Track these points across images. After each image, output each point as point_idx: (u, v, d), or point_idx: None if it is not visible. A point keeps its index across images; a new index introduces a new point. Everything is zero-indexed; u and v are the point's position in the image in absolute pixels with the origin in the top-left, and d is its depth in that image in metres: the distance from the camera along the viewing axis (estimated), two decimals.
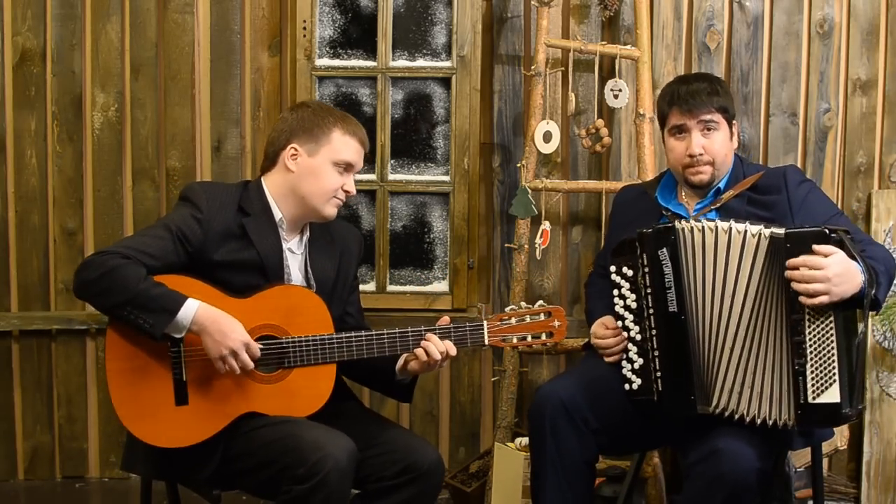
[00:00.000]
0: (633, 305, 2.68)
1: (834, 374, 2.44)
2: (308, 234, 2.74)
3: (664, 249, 2.58)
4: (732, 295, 2.54)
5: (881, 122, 3.70)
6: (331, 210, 2.68)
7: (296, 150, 2.65)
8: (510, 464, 3.38)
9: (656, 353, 2.61)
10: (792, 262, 2.45)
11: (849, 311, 2.47)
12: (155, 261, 2.51)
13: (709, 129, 2.75)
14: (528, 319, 2.62)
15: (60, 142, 3.79)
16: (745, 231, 2.52)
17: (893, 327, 3.61)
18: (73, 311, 3.78)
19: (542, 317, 2.62)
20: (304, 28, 3.72)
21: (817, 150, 3.70)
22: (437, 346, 2.58)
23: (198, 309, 2.48)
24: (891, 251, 3.62)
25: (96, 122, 3.79)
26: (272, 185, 2.68)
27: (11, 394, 3.85)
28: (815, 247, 2.43)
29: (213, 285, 2.56)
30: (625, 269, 2.70)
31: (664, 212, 2.81)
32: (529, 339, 2.62)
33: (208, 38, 3.79)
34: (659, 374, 2.61)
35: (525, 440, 3.41)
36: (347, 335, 2.59)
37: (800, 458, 3.35)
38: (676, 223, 2.61)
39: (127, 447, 2.66)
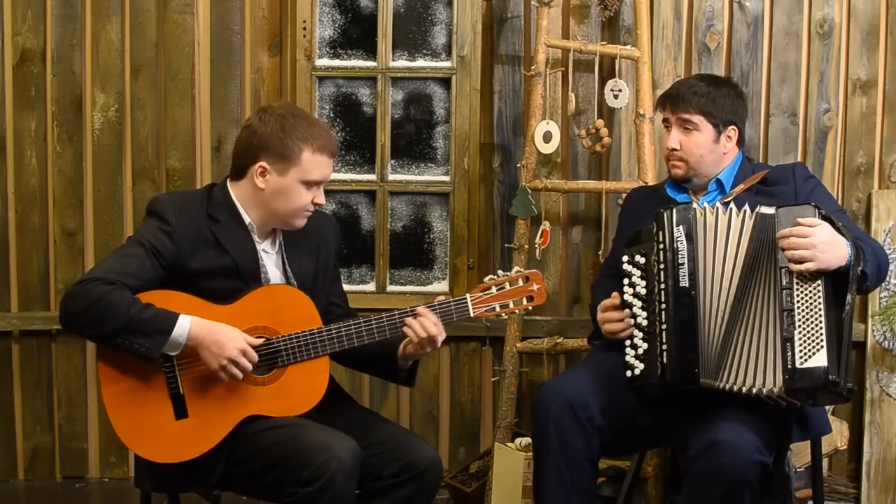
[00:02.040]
0: (643, 292, 2.72)
1: (821, 339, 2.51)
2: (281, 233, 2.72)
3: (681, 227, 2.66)
4: (739, 272, 2.63)
5: (881, 122, 3.70)
6: (301, 222, 2.65)
7: (264, 168, 2.58)
8: (510, 464, 3.38)
9: (664, 327, 2.63)
10: (781, 232, 2.58)
11: (837, 282, 2.55)
12: (137, 280, 2.50)
13: (687, 128, 2.86)
14: (507, 287, 2.65)
15: (60, 142, 3.79)
16: (742, 211, 2.65)
17: (893, 327, 3.61)
18: None
19: (521, 282, 2.65)
20: (304, 28, 3.72)
21: (817, 150, 3.70)
22: (422, 324, 2.57)
23: (191, 324, 2.48)
24: (891, 251, 3.63)
25: (96, 122, 3.79)
26: (240, 194, 2.64)
27: (11, 394, 3.85)
28: (801, 219, 2.57)
29: (197, 295, 2.55)
30: (637, 257, 2.74)
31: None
32: (511, 305, 2.65)
33: (208, 38, 3.79)
34: (665, 347, 2.62)
35: (525, 440, 3.41)
36: (336, 326, 2.58)
37: (800, 458, 3.35)
38: (694, 204, 2.72)
39: (136, 463, 2.66)
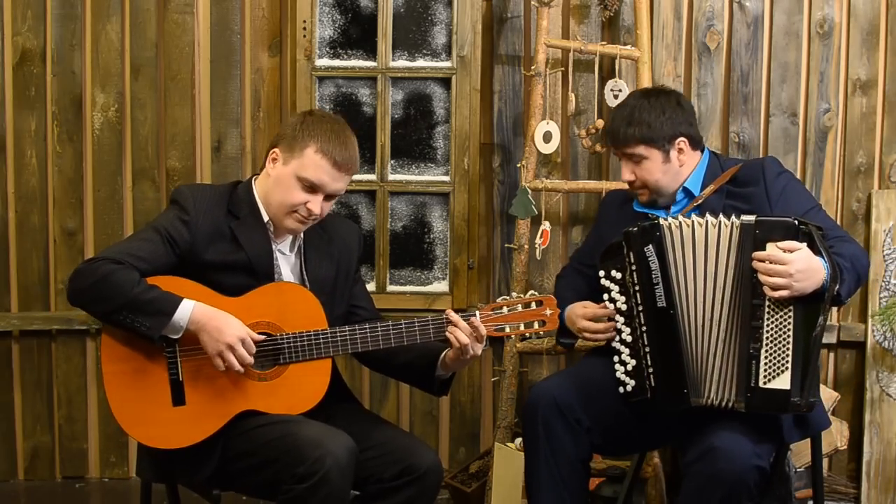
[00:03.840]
0: (624, 308, 2.71)
1: (787, 361, 2.50)
2: (302, 236, 2.72)
3: (650, 246, 2.63)
4: (714, 285, 2.60)
5: (881, 122, 3.70)
6: (291, 224, 2.63)
7: (276, 154, 2.62)
8: (510, 464, 3.38)
9: (647, 349, 2.64)
10: (757, 254, 2.53)
11: (809, 304, 2.52)
12: (146, 264, 2.52)
13: (634, 161, 2.81)
14: (520, 308, 2.63)
15: (60, 142, 3.79)
16: (720, 222, 2.60)
17: (893, 327, 3.61)
18: (73, 311, 3.75)
19: (534, 305, 2.63)
20: (304, 28, 3.71)
21: (817, 150, 3.70)
22: (462, 329, 2.57)
23: (194, 308, 2.49)
24: (891, 251, 3.63)
25: (96, 122, 3.79)
26: (259, 186, 2.67)
27: (11, 394, 3.85)
28: (780, 243, 2.51)
29: (206, 286, 2.56)
30: (613, 273, 2.73)
31: (649, 215, 2.84)
32: (522, 327, 2.63)
33: (208, 38, 3.79)
34: (651, 369, 2.64)
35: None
36: (342, 329, 2.59)
37: (800, 458, 3.35)
38: (661, 220, 2.66)
39: (138, 452, 2.67)
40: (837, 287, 2.53)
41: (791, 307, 2.51)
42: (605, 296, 2.75)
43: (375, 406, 3.81)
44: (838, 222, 3.67)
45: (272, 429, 2.50)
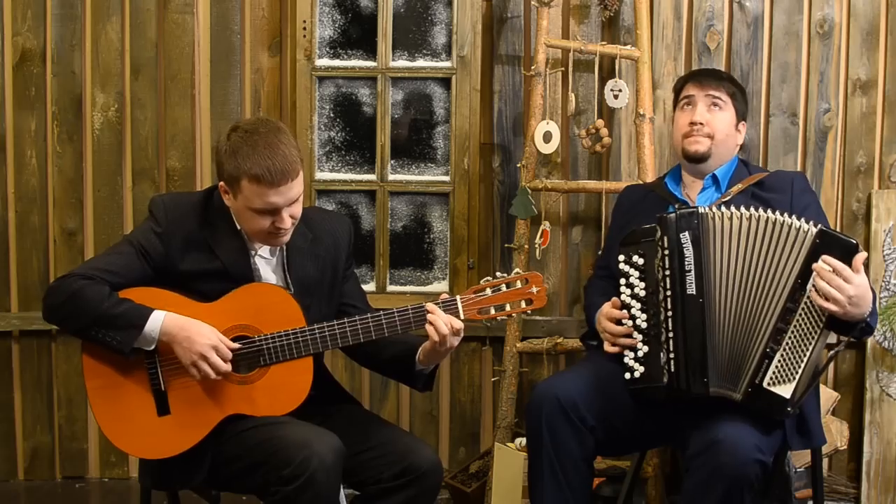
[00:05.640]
0: (642, 294, 2.70)
1: (797, 372, 2.52)
2: None
3: (686, 233, 2.61)
4: (750, 279, 2.59)
5: (881, 122, 3.70)
6: (272, 242, 2.58)
7: (224, 188, 2.54)
8: (510, 464, 3.38)
9: (670, 334, 2.62)
10: (830, 260, 2.50)
11: (837, 328, 2.54)
12: (119, 277, 2.51)
13: (715, 105, 2.90)
14: (504, 289, 2.54)
15: (60, 142, 3.79)
16: (768, 218, 2.59)
17: (893, 327, 3.61)
18: None
19: (519, 284, 2.54)
20: (304, 28, 3.71)
21: (817, 150, 3.70)
22: (441, 317, 2.50)
23: (164, 319, 2.47)
24: (891, 251, 3.63)
25: (96, 122, 3.79)
26: (229, 205, 2.61)
27: (11, 394, 3.85)
28: (857, 258, 2.48)
29: (182, 293, 2.55)
30: (634, 258, 2.72)
31: (674, 205, 2.84)
32: (509, 307, 2.54)
33: (208, 38, 3.79)
34: (672, 355, 2.61)
35: (525, 440, 3.40)
36: (320, 326, 2.56)
37: (800, 458, 3.35)
38: (700, 208, 2.65)
39: (139, 459, 2.67)
40: (868, 318, 2.54)
41: (823, 323, 2.51)
42: (623, 280, 2.73)
43: (375, 406, 3.81)
44: (838, 222, 3.68)
45: (259, 431, 2.50)
